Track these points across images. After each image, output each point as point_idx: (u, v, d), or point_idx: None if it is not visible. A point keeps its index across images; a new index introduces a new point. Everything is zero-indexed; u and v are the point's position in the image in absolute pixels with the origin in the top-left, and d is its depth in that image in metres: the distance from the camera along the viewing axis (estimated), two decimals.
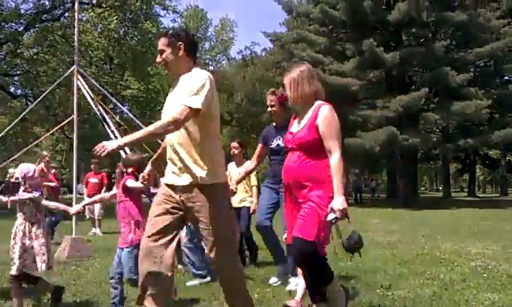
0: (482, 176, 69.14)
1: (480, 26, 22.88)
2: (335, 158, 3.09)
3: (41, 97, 10.50)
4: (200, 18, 51.20)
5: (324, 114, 3.18)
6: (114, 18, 23.13)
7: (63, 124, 11.49)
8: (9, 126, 9.90)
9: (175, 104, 2.98)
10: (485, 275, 5.37)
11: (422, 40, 24.06)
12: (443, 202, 26.98)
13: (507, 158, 39.91)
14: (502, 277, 5.26)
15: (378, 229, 11.19)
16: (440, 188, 55.82)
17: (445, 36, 24.19)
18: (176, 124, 2.87)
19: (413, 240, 8.97)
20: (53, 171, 9.89)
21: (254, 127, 40.64)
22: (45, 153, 10.29)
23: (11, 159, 11.03)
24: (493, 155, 40.82)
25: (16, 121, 10.08)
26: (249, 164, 5.24)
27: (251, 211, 6.09)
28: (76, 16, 8.55)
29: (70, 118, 8.02)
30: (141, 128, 7.55)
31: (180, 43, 3.10)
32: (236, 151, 6.14)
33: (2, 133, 9.75)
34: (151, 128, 2.94)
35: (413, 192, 26.14)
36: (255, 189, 6.12)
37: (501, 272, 5.56)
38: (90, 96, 7.58)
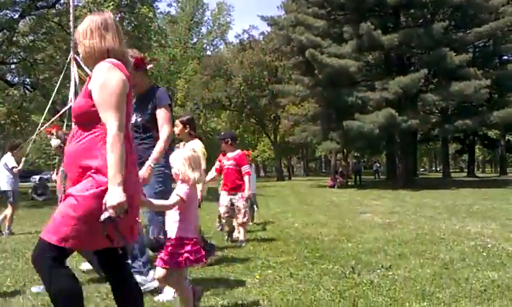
0: (482, 156, 69.14)
1: (479, 6, 22.73)
2: (110, 134, 2.21)
3: (53, 96, 10.42)
4: (196, 2, 50.78)
5: (96, 74, 2.33)
6: (110, 3, 22.90)
7: (62, 112, 11.43)
8: (42, 126, 9.53)
9: None
10: (484, 254, 5.42)
11: (420, 21, 23.91)
12: (443, 182, 27.05)
13: (506, 138, 39.89)
14: (501, 255, 5.31)
15: (378, 211, 11.25)
16: (440, 169, 55.93)
17: (443, 16, 24.02)
18: None
19: (413, 220, 9.03)
20: None
21: (253, 111, 40.61)
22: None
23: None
24: (492, 135, 40.77)
25: (42, 120, 9.92)
26: None
27: None
28: (71, 3, 8.46)
29: (68, 106, 8.00)
30: None
31: None
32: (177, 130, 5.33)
33: (36, 133, 9.72)
34: None
35: (413, 173, 26.16)
36: None
37: (500, 250, 5.61)
38: (75, 83, 7.51)
